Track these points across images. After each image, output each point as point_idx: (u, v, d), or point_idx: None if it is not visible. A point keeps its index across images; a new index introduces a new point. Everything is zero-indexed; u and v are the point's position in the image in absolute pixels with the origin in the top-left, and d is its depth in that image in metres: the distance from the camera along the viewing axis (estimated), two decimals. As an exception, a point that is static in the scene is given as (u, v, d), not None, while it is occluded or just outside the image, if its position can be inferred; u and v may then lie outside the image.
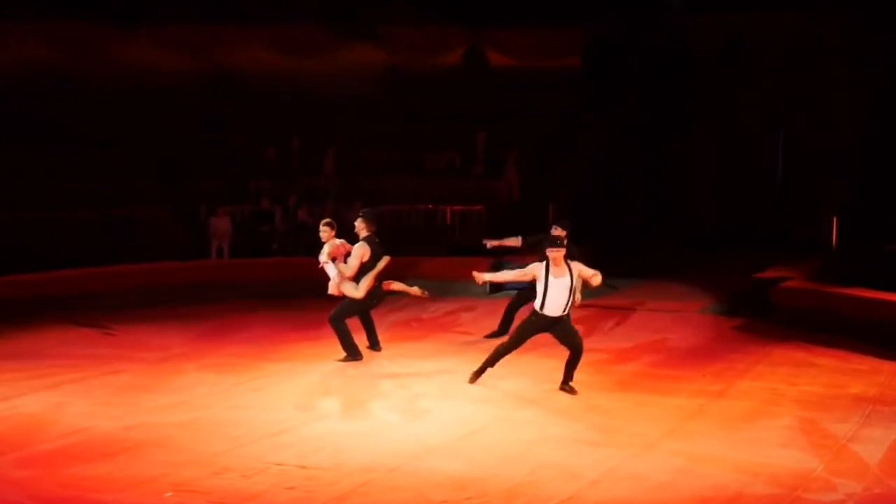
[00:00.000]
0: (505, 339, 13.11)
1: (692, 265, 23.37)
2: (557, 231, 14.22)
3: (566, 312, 12.17)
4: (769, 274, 18.91)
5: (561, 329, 12.21)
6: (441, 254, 21.48)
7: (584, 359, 13.41)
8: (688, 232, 26.18)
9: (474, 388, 12.55)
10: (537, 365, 13.44)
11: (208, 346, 15.15)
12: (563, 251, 12.07)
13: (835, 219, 19.27)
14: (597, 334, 16.31)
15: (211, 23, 26.31)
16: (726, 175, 26.56)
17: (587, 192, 24.00)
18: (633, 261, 23.23)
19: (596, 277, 12.06)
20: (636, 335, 16.17)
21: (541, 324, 12.17)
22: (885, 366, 13.99)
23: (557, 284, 11.97)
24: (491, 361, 12.47)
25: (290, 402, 12.04)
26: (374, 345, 14.49)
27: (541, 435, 10.67)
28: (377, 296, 14.09)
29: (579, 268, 12.13)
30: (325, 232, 14.02)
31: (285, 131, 24.91)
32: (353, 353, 13.98)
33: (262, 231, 22.29)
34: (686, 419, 11.32)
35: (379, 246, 13.94)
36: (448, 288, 19.98)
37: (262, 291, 18.98)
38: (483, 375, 12.51)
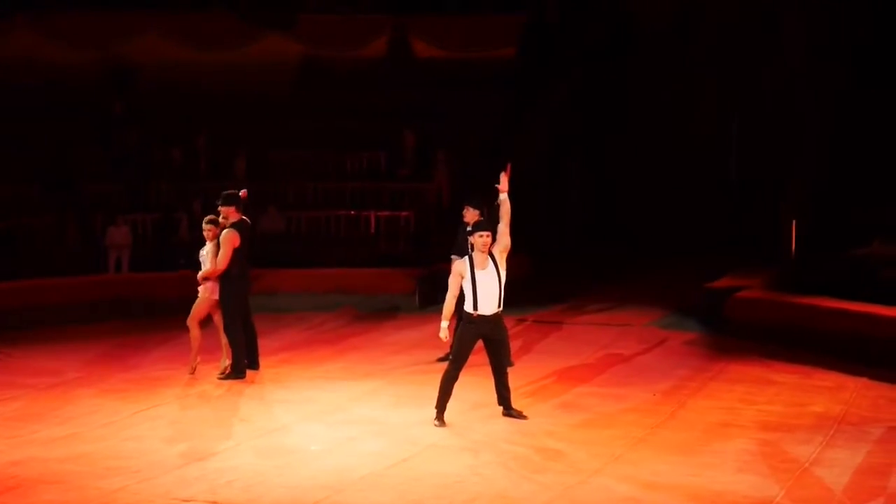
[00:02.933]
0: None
1: (639, 273, 23.60)
2: (470, 213, 14.08)
3: (501, 308, 11.96)
4: (723, 283, 19.09)
5: (496, 334, 12.00)
6: (365, 264, 21.43)
7: (523, 377, 13.47)
8: (634, 236, 26.41)
9: (403, 412, 12.52)
10: (470, 386, 13.43)
11: (105, 371, 14.96)
12: (489, 235, 11.78)
13: (794, 222, 19.50)
14: (536, 350, 16.36)
15: (102, 10, 26.02)
16: (675, 173, 26.81)
17: (524, 195, 24.06)
18: (574, 268, 23.44)
19: (505, 225, 11.86)
20: (579, 351, 16.23)
21: (479, 327, 11.89)
22: (850, 381, 14.16)
23: (485, 276, 11.76)
24: (444, 394, 12.05)
25: (196, 430, 11.91)
26: (253, 363, 14.52)
27: (476, 462, 10.66)
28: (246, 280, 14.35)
29: (497, 249, 11.84)
30: (209, 231, 14.18)
31: (190, 130, 24.70)
32: (238, 372, 14.06)
33: (171, 242, 21.95)
34: (634, 443, 11.36)
35: (250, 230, 14.30)
36: (373, 302, 20.02)
37: (166, 309, 18.76)
38: (446, 412, 12.08)
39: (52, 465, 10.58)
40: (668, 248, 25.38)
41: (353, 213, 23.39)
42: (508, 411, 12.25)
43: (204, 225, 14.32)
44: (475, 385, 13.13)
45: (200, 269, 14.23)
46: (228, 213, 14.11)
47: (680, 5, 26.80)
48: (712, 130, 27.21)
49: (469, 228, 12.40)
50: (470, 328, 11.92)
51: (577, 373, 14.82)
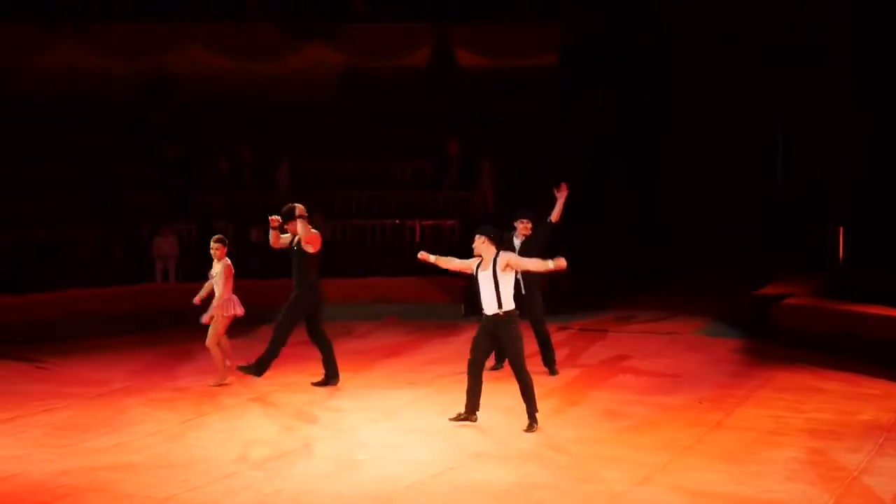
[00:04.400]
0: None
1: (684, 281, 23.54)
2: (523, 224, 14.61)
3: (503, 311, 12.11)
4: (770, 290, 19.03)
5: (500, 333, 12.24)
6: (410, 273, 21.49)
7: (569, 386, 13.51)
8: (679, 244, 26.33)
9: (446, 422, 12.55)
10: (513, 394, 13.48)
11: (153, 380, 15.10)
12: (484, 241, 12.13)
13: (841, 229, 19.40)
14: (582, 358, 16.36)
15: (146, 21, 26.25)
16: (721, 179, 26.71)
17: (567, 202, 23.99)
18: (617, 276, 23.41)
19: (541, 264, 12.01)
20: (626, 359, 16.23)
21: (485, 324, 12.31)
22: (900, 389, 14.11)
23: (483, 277, 12.19)
24: (474, 393, 12.37)
25: (243, 439, 12.00)
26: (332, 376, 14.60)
27: (523, 471, 10.69)
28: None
29: (507, 258, 12.15)
30: (216, 250, 14.47)
31: (234, 141, 24.85)
32: (259, 367, 14.19)
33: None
34: (682, 451, 11.36)
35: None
36: (417, 311, 20.06)
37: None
38: (478, 410, 12.40)
39: (101, 473, 10.69)
40: (713, 255, 25.29)
41: (397, 222, 23.42)
42: (531, 417, 12.30)
43: (212, 244, 14.45)
44: (519, 395, 13.15)
45: (213, 288, 14.41)
46: (291, 229, 14.15)
47: (721, 13, 26.67)
48: (756, 136, 27.06)
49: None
50: (480, 323, 12.40)
51: (624, 381, 14.83)
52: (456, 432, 12.09)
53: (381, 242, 23.27)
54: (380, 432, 12.28)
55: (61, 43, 25.84)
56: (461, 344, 17.18)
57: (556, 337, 16.70)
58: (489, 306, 12.18)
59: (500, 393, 13.32)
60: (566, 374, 14.98)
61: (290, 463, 11.09)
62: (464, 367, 15.28)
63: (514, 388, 12.68)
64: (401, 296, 20.55)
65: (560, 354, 15.71)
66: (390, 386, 14.62)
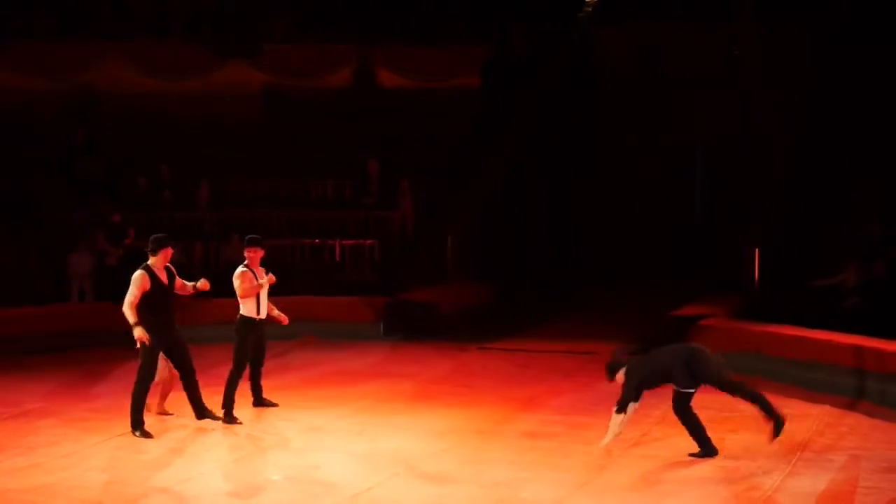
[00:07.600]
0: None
1: (603, 303, 23.65)
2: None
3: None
4: (687, 311, 19.16)
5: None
6: (330, 293, 21.38)
7: (487, 405, 13.45)
8: (599, 266, 26.48)
9: (367, 441, 12.47)
10: (435, 416, 13.44)
11: (68, 400, 14.84)
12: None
13: (757, 252, 19.62)
14: (500, 378, 16.35)
15: (68, 39, 25.98)
16: (640, 203, 26.92)
17: (488, 223, 24.12)
18: (537, 297, 23.49)
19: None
20: (544, 379, 16.25)
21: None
22: (813, 409, 14.22)
23: None
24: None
25: (160, 460, 11.84)
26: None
27: (441, 491, 10.63)
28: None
29: None
30: None
31: (153, 159, 24.62)
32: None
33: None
34: (599, 471, 11.36)
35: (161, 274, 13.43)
36: (337, 330, 19.95)
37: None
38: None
39: (13, 495, 10.47)
40: (633, 278, 25.45)
41: (317, 241, 23.34)
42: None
43: None
44: (439, 415, 13.12)
45: None
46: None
47: (641, 37, 26.91)
48: (676, 158, 27.31)
49: None
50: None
51: (542, 401, 14.83)
52: (374, 452, 12.01)
53: (300, 262, 23.13)
54: (297, 452, 12.17)
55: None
56: (380, 362, 17.18)
57: (474, 356, 16.69)
58: None
59: (430, 414, 13.28)
60: (485, 394, 14.95)
61: (203, 485, 10.93)
62: (383, 386, 15.35)
63: (446, 412, 12.65)
64: (321, 315, 20.38)
65: (480, 375, 15.68)
66: (309, 406, 14.48)
